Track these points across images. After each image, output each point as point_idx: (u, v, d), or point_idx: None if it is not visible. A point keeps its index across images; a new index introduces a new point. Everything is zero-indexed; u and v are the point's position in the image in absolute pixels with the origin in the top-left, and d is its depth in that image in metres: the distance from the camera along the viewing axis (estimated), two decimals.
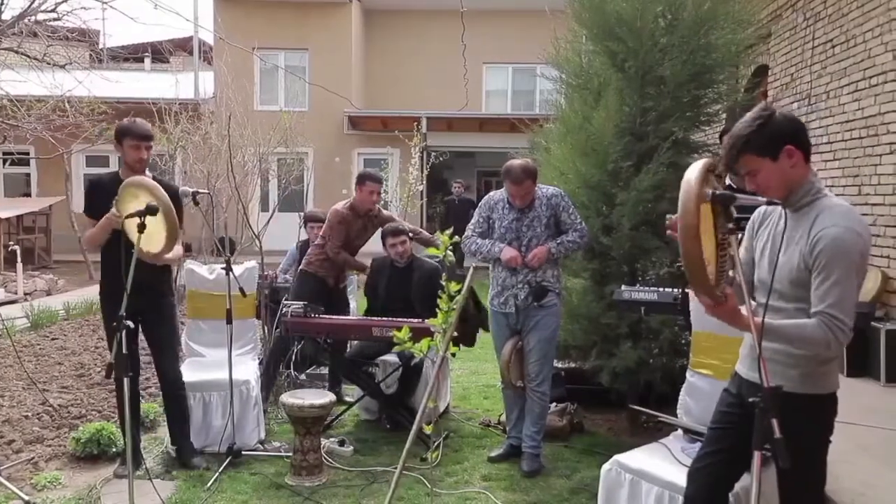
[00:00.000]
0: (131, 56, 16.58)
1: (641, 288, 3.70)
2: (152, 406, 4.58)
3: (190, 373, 4.00)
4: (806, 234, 2.00)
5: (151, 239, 3.29)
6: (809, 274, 1.99)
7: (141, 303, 3.61)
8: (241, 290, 3.87)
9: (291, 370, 5.28)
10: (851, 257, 1.94)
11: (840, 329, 1.93)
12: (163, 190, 3.27)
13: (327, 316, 4.53)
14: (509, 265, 3.82)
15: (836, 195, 2.10)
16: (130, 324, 2.84)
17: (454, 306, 2.82)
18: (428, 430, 2.80)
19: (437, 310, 2.83)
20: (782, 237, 2.04)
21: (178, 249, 3.62)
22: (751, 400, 1.80)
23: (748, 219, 2.29)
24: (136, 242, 3.05)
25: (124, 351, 2.80)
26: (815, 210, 2.03)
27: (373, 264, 4.93)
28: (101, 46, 14.78)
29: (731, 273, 2.03)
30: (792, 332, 1.99)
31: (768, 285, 2.06)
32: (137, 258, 3.00)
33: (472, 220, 4.01)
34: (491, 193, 4.05)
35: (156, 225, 3.23)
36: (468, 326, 4.23)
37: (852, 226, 1.96)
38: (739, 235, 2.15)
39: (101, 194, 3.62)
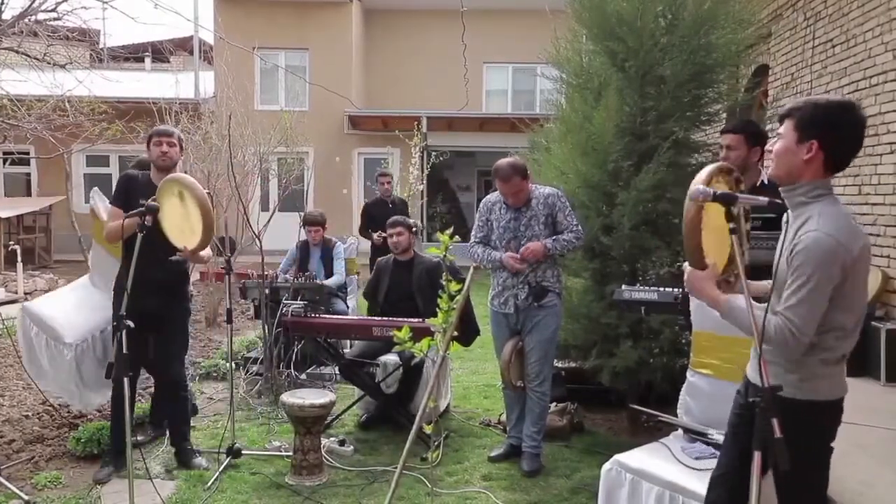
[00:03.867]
0: (131, 56, 16.57)
1: (642, 288, 3.70)
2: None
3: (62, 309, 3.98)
4: (793, 236, 1.97)
5: (185, 234, 3.34)
6: None
7: (155, 304, 3.63)
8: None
9: (291, 370, 5.28)
10: (824, 263, 1.87)
11: (791, 333, 1.89)
12: (200, 187, 3.36)
13: (328, 316, 4.53)
14: (512, 269, 3.81)
15: (836, 195, 2.08)
16: (130, 323, 2.85)
17: (454, 306, 2.81)
18: (428, 429, 2.80)
19: (438, 309, 2.83)
20: (783, 241, 2.03)
21: (207, 250, 3.65)
22: (751, 399, 1.80)
23: (764, 219, 2.30)
24: (171, 237, 3.13)
25: (125, 350, 2.80)
26: (809, 213, 1.98)
27: (377, 265, 4.98)
28: (101, 46, 14.77)
29: (731, 280, 2.10)
30: (743, 316, 1.98)
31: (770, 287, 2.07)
32: (148, 256, 3.02)
33: (474, 226, 4.02)
34: (488, 196, 4.04)
35: (193, 221, 3.28)
36: (467, 328, 4.25)
37: (835, 233, 1.88)
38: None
39: (132, 189, 3.70)
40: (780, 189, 2.11)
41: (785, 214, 2.17)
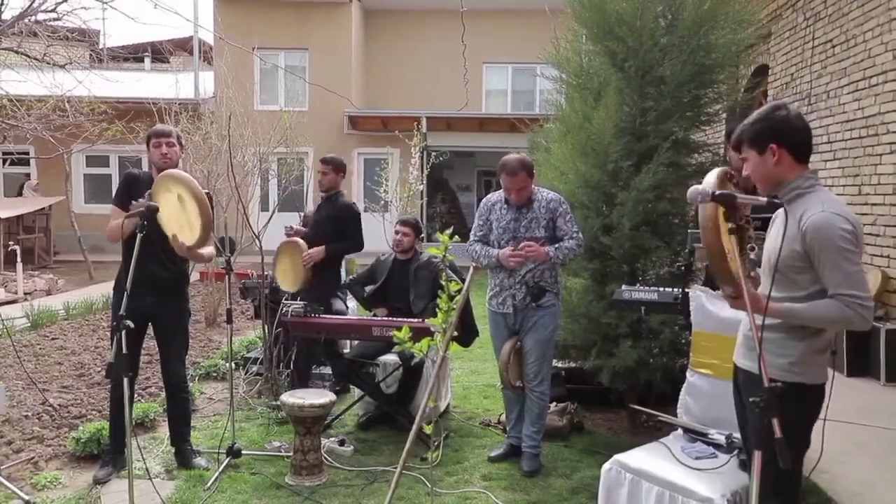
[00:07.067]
0: (131, 56, 16.59)
1: (641, 288, 3.70)
2: (152, 406, 4.58)
3: None
4: (796, 226, 2.08)
5: (184, 231, 3.34)
6: (809, 265, 2.07)
7: (154, 304, 3.63)
8: None
9: (291, 370, 5.28)
10: (839, 235, 2.01)
11: (858, 304, 2.02)
12: (196, 183, 3.35)
13: (328, 316, 4.53)
14: (509, 266, 3.80)
15: (836, 195, 2.13)
16: (130, 324, 2.85)
17: (454, 306, 2.81)
18: (428, 429, 2.80)
19: (437, 309, 2.83)
20: (783, 233, 2.08)
21: (209, 249, 3.64)
22: (751, 399, 1.85)
23: (764, 220, 2.36)
24: (169, 232, 3.10)
25: (124, 351, 2.80)
26: (804, 204, 2.11)
27: (375, 260, 4.97)
28: (101, 46, 14.79)
29: (752, 274, 2.19)
30: (808, 313, 2.07)
31: (770, 281, 2.09)
32: (147, 256, 3.02)
33: (474, 224, 4.01)
34: (489, 195, 4.04)
35: (191, 217, 3.28)
36: (465, 330, 4.25)
37: (834, 209, 2.05)
38: (751, 232, 2.24)
39: (135, 188, 3.69)
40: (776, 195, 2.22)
41: (776, 212, 2.28)
